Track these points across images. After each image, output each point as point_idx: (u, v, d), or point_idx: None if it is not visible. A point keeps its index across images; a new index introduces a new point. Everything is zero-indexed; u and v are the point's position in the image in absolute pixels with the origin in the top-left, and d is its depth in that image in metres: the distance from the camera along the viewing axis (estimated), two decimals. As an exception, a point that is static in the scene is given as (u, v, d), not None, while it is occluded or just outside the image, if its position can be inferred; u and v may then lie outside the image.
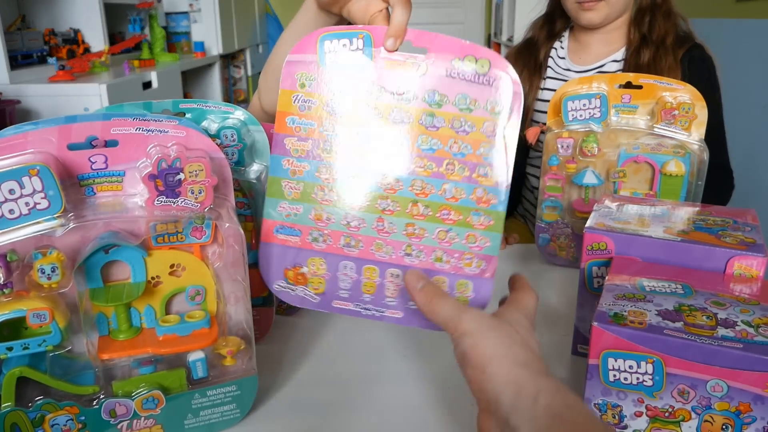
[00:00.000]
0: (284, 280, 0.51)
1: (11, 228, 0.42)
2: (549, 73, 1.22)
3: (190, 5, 2.91)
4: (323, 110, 0.48)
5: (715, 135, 0.94)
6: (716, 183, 0.91)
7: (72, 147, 0.44)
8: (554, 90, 1.06)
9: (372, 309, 0.51)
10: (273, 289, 0.51)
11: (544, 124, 0.87)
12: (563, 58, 1.21)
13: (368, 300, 0.51)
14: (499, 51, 3.79)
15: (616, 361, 0.44)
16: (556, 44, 1.23)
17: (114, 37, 2.49)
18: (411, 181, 0.49)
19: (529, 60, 1.23)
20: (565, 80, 1.14)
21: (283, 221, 0.50)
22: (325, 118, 0.48)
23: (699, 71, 1.07)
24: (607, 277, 0.52)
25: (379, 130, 0.48)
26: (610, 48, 1.16)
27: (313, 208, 0.49)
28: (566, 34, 1.23)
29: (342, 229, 0.50)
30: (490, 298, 0.50)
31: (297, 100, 0.48)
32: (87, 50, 2.12)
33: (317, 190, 0.49)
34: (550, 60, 1.23)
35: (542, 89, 1.21)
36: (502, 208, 0.48)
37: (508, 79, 0.47)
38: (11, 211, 0.41)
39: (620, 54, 1.14)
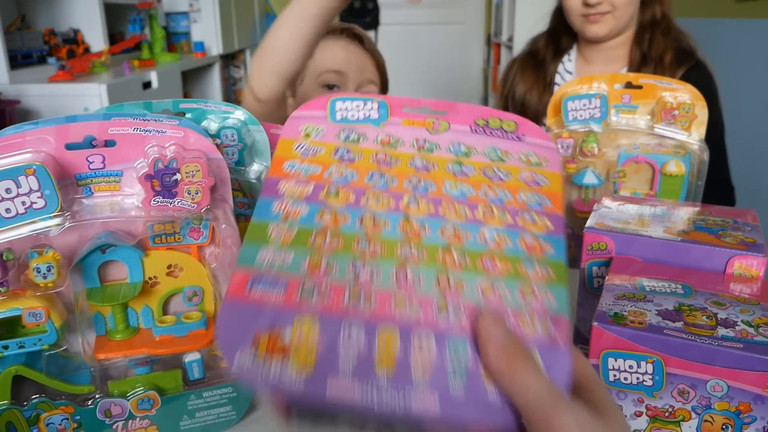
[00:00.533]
0: (251, 351, 0.33)
1: (7, 227, 0.42)
2: None
3: (190, 5, 2.91)
4: (331, 157, 0.41)
5: (715, 154, 0.95)
6: (718, 201, 0.92)
7: (71, 147, 0.44)
8: None
9: (391, 393, 0.35)
10: (232, 367, 0.33)
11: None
12: (570, 72, 1.21)
13: (384, 380, 0.35)
14: (498, 51, 3.79)
15: (616, 361, 0.44)
16: (564, 59, 1.22)
17: (114, 37, 2.49)
18: (440, 226, 0.38)
19: (538, 78, 1.22)
20: None
21: (262, 271, 0.36)
22: (333, 163, 0.41)
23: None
24: (607, 277, 0.52)
25: (397, 175, 0.40)
26: (614, 66, 1.16)
27: (309, 254, 0.37)
28: (573, 51, 1.22)
29: (348, 282, 0.36)
30: (568, 380, 0.33)
31: (299, 148, 0.41)
32: (87, 50, 2.12)
33: (315, 235, 0.37)
34: (557, 76, 1.22)
35: None
36: (562, 258, 0.37)
37: (539, 137, 0.41)
38: (7, 210, 0.41)
39: (623, 72, 1.15)
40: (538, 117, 1.17)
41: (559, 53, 1.21)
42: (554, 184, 0.40)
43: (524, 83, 1.22)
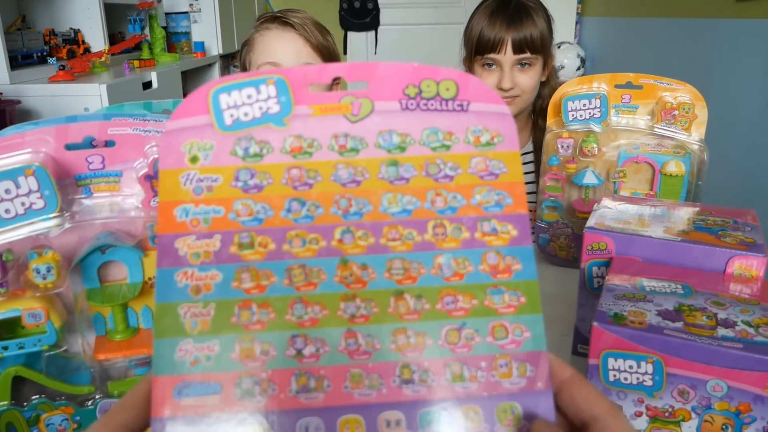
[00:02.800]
0: None
1: (7, 228, 0.42)
2: None
3: (190, 5, 2.91)
4: (232, 187, 0.32)
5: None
6: None
7: (70, 147, 0.44)
8: None
9: None
10: None
11: None
12: None
13: None
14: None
15: (616, 361, 0.44)
16: None
17: (114, 37, 2.49)
18: (385, 263, 0.32)
19: None
20: None
21: (189, 374, 0.30)
22: (237, 198, 0.32)
23: None
24: (607, 277, 0.52)
25: (320, 199, 0.32)
26: (519, 136, 1.28)
27: (237, 340, 0.31)
28: None
29: (291, 364, 0.31)
30: (553, 420, 0.32)
31: (189, 181, 0.32)
32: (87, 50, 2.12)
33: (239, 309, 0.31)
34: None
35: None
36: (531, 274, 0.32)
37: (487, 99, 0.33)
38: (7, 211, 0.41)
39: (529, 146, 1.30)
40: None
41: None
42: (513, 171, 0.33)
43: None
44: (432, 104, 0.33)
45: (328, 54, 1.07)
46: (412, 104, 0.32)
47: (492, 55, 1.15)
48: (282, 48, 1.03)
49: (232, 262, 0.31)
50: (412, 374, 0.31)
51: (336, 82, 1.14)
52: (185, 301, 0.31)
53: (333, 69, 0.32)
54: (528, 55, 1.14)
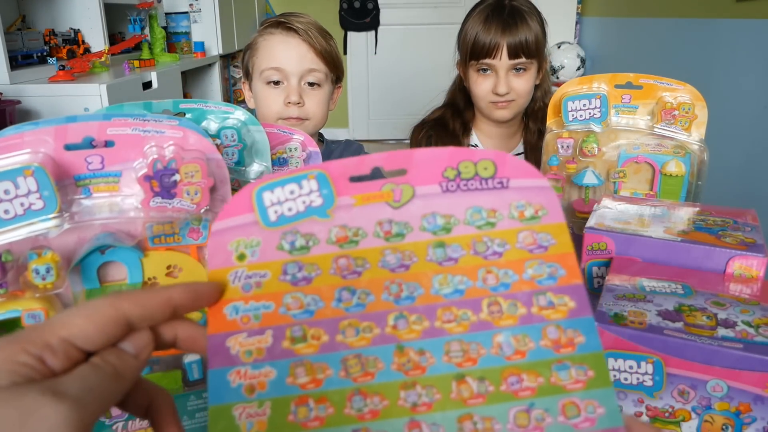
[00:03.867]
0: None
1: (6, 228, 0.42)
2: None
3: (190, 5, 2.92)
4: (281, 281, 0.32)
5: None
6: None
7: (70, 147, 0.44)
8: None
9: None
10: None
11: None
12: (476, 145, 1.29)
13: None
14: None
15: (616, 361, 0.44)
16: (472, 136, 1.31)
17: (114, 37, 2.49)
18: (443, 346, 0.31)
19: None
20: None
21: None
22: (286, 292, 0.32)
23: None
24: (607, 277, 0.52)
25: (370, 286, 0.32)
26: (511, 141, 1.29)
27: None
28: (473, 127, 1.30)
29: None
30: None
31: (237, 279, 0.32)
32: (87, 50, 2.12)
33: (295, 407, 0.30)
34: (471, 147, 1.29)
35: None
36: (595, 346, 0.31)
37: (526, 174, 0.33)
38: (6, 212, 0.41)
39: (520, 147, 1.30)
40: None
41: (466, 127, 1.30)
42: (562, 241, 0.32)
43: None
44: (472, 184, 0.32)
45: (331, 59, 1.08)
46: (452, 186, 0.32)
47: (487, 61, 1.15)
48: (286, 53, 1.04)
49: (285, 357, 0.30)
50: None
51: (338, 87, 1.15)
52: (240, 401, 0.30)
53: (371, 160, 0.32)
54: (523, 59, 1.14)
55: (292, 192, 0.32)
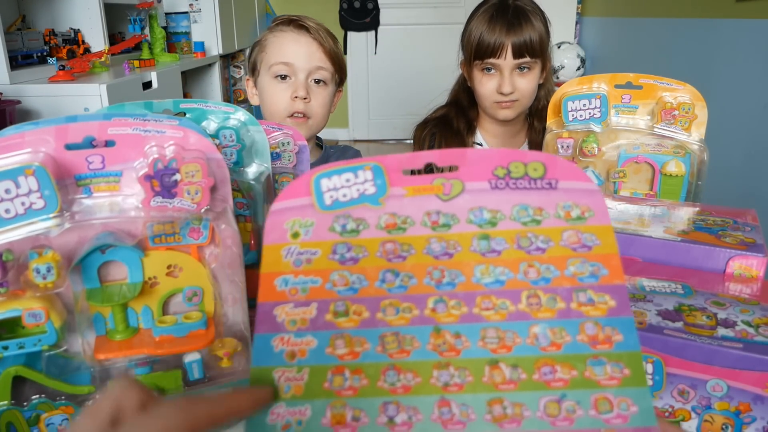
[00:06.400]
0: None
1: (7, 228, 0.42)
2: None
3: (190, 5, 2.91)
4: (329, 260, 0.34)
5: None
6: None
7: (70, 147, 0.44)
8: None
9: None
10: None
11: None
12: (480, 144, 1.29)
13: None
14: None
15: (615, 361, 0.44)
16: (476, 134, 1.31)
17: (114, 37, 2.49)
18: (479, 332, 0.32)
19: (459, 146, 1.30)
20: None
21: None
22: (333, 269, 0.33)
23: None
24: (606, 277, 0.52)
25: (414, 270, 0.33)
26: (516, 139, 1.29)
27: (329, 405, 0.31)
28: (477, 126, 1.31)
29: (382, 431, 0.31)
30: None
31: (289, 254, 0.34)
32: (87, 50, 2.12)
33: (332, 375, 0.32)
34: (476, 146, 1.29)
35: None
36: (634, 345, 0.31)
37: (575, 177, 0.33)
38: (7, 211, 0.41)
39: (525, 146, 1.30)
40: None
41: (470, 125, 1.31)
42: (606, 243, 0.32)
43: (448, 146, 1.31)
44: (521, 183, 0.33)
45: (338, 60, 1.11)
46: (501, 184, 0.33)
47: (492, 60, 1.15)
48: (295, 49, 1.06)
49: (327, 329, 0.32)
50: None
51: (339, 90, 1.16)
52: (280, 365, 0.32)
53: (425, 156, 0.33)
54: (527, 59, 1.14)
55: (348, 180, 0.34)
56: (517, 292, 0.32)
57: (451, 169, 0.34)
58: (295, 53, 1.06)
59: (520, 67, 1.16)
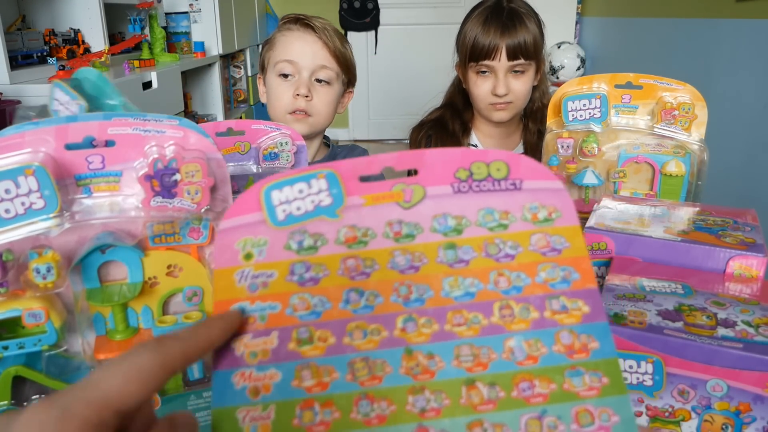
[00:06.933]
0: None
1: (7, 228, 0.42)
2: None
3: (190, 5, 2.91)
4: (287, 282, 0.31)
5: None
6: None
7: (70, 147, 0.44)
8: None
9: None
10: None
11: None
12: (475, 145, 1.29)
13: None
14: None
15: (615, 361, 0.44)
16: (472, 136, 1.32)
17: (114, 37, 2.49)
18: (453, 350, 0.30)
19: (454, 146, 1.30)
20: None
21: None
22: (293, 292, 0.31)
23: None
24: (607, 277, 0.52)
25: (379, 288, 0.31)
26: (511, 140, 1.30)
27: None
28: (472, 127, 1.31)
29: None
30: None
31: (243, 278, 0.31)
32: (87, 50, 2.12)
33: (300, 410, 0.29)
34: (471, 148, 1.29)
35: None
36: (610, 352, 0.30)
37: (540, 176, 0.32)
38: (7, 211, 0.41)
39: (520, 147, 1.30)
40: None
41: (465, 127, 1.31)
42: (576, 245, 0.31)
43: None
44: (484, 185, 0.31)
45: (345, 61, 1.11)
46: (464, 187, 0.31)
47: (486, 62, 1.15)
48: (300, 48, 1.07)
49: (291, 359, 0.30)
50: None
51: (349, 91, 1.16)
52: (244, 404, 0.29)
53: (381, 159, 0.31)
54: (522, 61, 1.15)
55: (300, 191, 0.31)
56: (488, 304, 0.31)
57: (409, 173, 0.32)
58: (299, 51, 1.06)
59: (514, 69, 1.16)
